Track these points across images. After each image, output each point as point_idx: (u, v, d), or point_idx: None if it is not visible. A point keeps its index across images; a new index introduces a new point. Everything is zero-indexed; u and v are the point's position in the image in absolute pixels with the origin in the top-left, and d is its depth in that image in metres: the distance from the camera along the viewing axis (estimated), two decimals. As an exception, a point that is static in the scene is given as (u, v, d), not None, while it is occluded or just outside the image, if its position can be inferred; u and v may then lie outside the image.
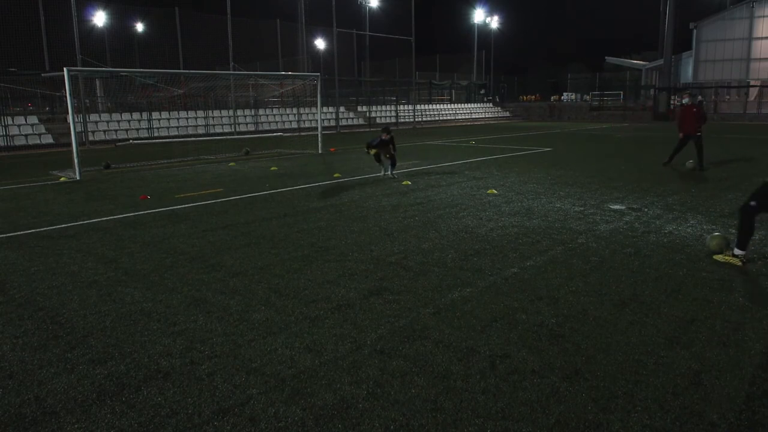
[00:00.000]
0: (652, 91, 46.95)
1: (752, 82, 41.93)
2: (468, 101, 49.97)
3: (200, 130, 28.25)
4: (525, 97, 73.57)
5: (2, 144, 21.93)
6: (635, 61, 71.41)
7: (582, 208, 8.62)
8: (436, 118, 42.88)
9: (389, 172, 12.31)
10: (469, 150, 19.13)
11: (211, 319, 4.50)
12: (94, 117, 25.91)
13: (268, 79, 28.80)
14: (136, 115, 27.10)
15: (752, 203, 5.63)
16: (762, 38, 44.04)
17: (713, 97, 43.32)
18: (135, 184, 12.24)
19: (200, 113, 29.24)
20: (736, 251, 5.78)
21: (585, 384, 3.39)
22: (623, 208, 8.66)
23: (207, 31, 30.73)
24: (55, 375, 3.61)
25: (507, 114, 49.79)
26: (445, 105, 47.64)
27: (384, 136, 11.95)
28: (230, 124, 29.29)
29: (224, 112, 30.32)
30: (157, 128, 27.12)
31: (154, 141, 24.15)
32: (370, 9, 41.75)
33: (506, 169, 13.47)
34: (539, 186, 10.85)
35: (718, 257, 5.86)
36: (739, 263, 5.71)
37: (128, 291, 5.20)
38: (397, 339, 4.06)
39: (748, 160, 15.08)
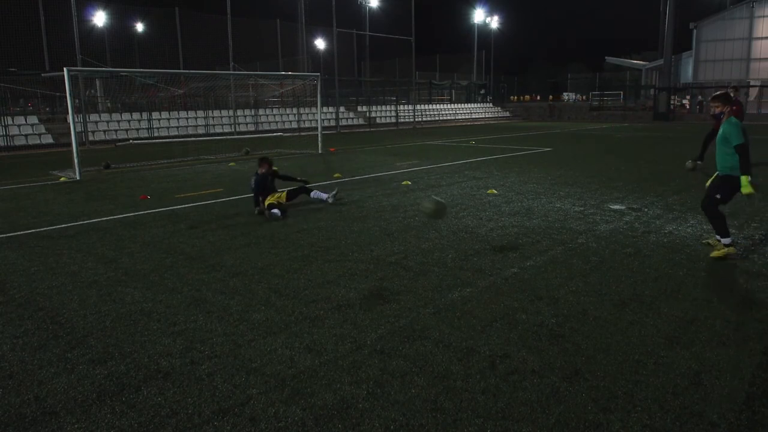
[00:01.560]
0: (652, 91, 46.96)
1: (752, 82, 41.94)
2: (468, 101, 49.96)
3: (200, 130, 28.24)
4: (516, 98, 72.43)
5: (2, 144, 21.93)
6: (635, 61, 71.43)
7: (582, 208, 8.62)
8: (436, 118, 42.87)
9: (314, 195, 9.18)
10: (469, 150, 19.13)
11: (211, 319, 4.50)
12: (94, 117, 25.92)
13: (268, 79, 28.79)
14: (136, 115, 27.09)
15: (717, 196, 5.87)
16: (762, 38, 44.02)
17: (713, 97, 43.26)
18: (135, 184, 12.24)
19: (200, 113, 29.24)
20: (724, 240, 5.90)
21: (585, 384, 3.39)
22: (623, 208, 8.66)
23: (207, 31, 30.73)
24: (55, 375, 3.61)
25: (507, 114, 49.78)
26: (445, 105, 47.62)
27: (261, 170, 8.74)
28: (230, 124, 29.29)
29: (224, 112, 30.32)
30: (157, 128, 27.12)
31: (154, 141, 24.15)
32: (370, 9, 41.75)
33: (506, 169, 13.47)
34: (539, 186, 10.85)
35: (715, 254, 5.90)
36: (734, 250, 5.86)
37: (128, 291, 5.20)
38: (397, 339, 4.06)
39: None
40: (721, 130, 5.89)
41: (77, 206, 9.60)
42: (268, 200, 8.61)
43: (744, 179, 5.67)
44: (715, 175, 6.10)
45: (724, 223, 5.89)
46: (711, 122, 13.49)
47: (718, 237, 5.99)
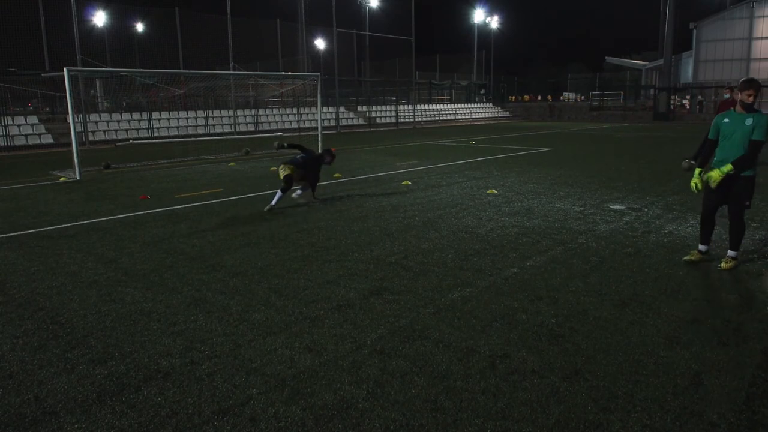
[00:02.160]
0: (652, 91, 46.97)
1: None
2: (468, 101, 49.96)
3: (200, 130, 28.23)
4: (515, 98, 71.83)
5: (2, 144, 21.92)
6: (635, 61, 71.47)
7: (582, 208, 8.62)
8: (436, 118, 42.88)
9: (297, 193, 9.48)
10: (469, 150, 19.13)
11: (211, 319, 4.50)
12: (94, 117, 25.91)
13: (268, 79, 28.80)
14: (136, 115, 27.09)
15: (747, 203, 5.52)
16: (762, 38, 44.06)
17: (713, 97, 43.32)
18: (135, 184, 12.24)
19: (200, 113, 29.22)
20: (731, 253, 5.65)
21: (585, 384, 3.39)
22: (623, 208, 8.66)
23: (207, 31, 30.73)
24: (55, 375, 3.61)
25: (507, 114, 49.79)
26: (445, 105, 47.62)
27: (328, 159, 9.63)
28: (230, 124, 29.28)
29: (224, 112, 30.31)
30: (157, 128, 27.11)
31: (154, 141, 24.15)
32: (370, 9, 41.73)
33: (506, 169, 13.47)
34: (539, 186, 10.85)
35: (724, 266, 5.59)
36: (735, 264, 5.63)
37: (128, 291, 5.20)
38: (397, 339, 4.06)
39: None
40: (749, 121, 5.30)
41: (77, 206, 9.60)
42: (286, 171, 8.90)
43: (728, 168, 5.29)
44: (719, 169, 5.50)
45: (743, 236, 5.61)
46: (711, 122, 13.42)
47: (699, 236, 5.79)
